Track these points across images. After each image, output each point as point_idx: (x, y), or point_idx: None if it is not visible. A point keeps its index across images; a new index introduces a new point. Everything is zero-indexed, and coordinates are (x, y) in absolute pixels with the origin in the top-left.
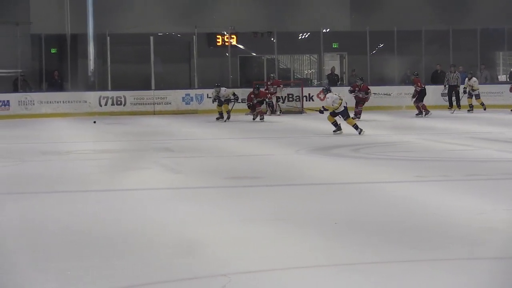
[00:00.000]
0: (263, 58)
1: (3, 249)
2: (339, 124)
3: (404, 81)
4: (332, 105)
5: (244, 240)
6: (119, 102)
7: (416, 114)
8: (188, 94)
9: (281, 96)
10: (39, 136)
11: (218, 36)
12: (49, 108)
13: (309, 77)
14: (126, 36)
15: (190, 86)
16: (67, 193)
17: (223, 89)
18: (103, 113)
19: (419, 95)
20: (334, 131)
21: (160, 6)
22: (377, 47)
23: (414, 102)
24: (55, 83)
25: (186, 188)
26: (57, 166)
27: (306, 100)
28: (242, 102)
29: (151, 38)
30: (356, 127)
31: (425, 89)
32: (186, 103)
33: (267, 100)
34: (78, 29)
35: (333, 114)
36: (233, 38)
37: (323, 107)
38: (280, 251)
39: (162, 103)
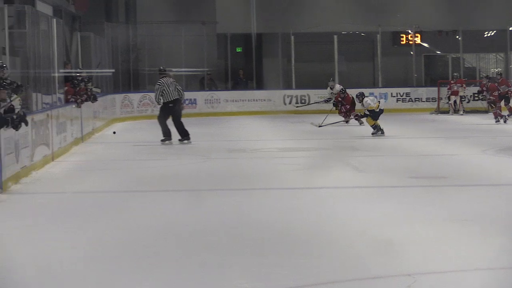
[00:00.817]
0: (448, 56)
1: (195, 244)
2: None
3: None
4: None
5: (433, 240)
6: (303, 101)
7: None
8: (372, 93)
9: (465, 96)
10: (225, 134)
11: (402, 35)
12: (234, 107)
13: (495, 76)
14: (310, 35)
15: (374, 85)
16: (254, 190)
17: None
18: (287, 112)
19: None
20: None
21: (344, 5)
22: None
23: None
24: (240, 82)
25: (370, 187)
26: (243, 163)
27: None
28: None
29: (335, 37)
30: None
31: None
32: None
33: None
34: (263, 28)
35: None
36: (417, 36)
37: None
38: (466, 251)
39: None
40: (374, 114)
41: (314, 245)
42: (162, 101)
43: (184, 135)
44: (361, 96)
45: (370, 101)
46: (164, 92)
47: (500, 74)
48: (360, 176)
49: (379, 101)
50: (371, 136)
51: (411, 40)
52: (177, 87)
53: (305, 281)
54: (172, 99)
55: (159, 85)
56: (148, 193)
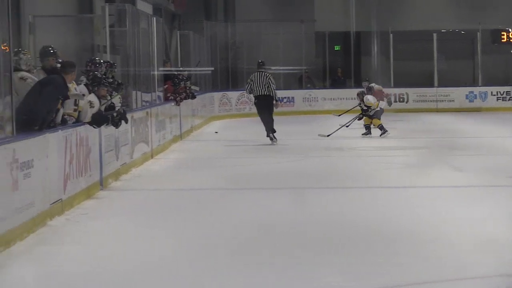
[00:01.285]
0: None
1: (292, 241)
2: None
3: None
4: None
5: None
6: (401, 99)
7: None
8: (472, 92)
9: None
10: (322, 132)
11: (502, 33)
12: (332, 105)
13: None
14: (409, 33)
15: (473, 83)
16: (351, 189)
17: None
18: (387, 110)
19: None
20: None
21: (444, 3)
22: None
23: None
24: (338, 80)
25: (470, 186)
26: (340, 162)
27: None
28: None
29: (434, 35)
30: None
31: None
32: (470, 101)
33: None
34: (361, 26)
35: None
36: None
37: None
38: None
39: (445, 100)
40: (375, 113)
41: (412, 244)
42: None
43: (270, 133)
44: (361, 94)
45: (371, 99)
46: (253, 88)
47: None
48: (459, 175)
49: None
50: (380, 137)
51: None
52: (270, 84)
53: (402, 280)
54: (257, 95)
55: (250, 80)
56: (247, 190)
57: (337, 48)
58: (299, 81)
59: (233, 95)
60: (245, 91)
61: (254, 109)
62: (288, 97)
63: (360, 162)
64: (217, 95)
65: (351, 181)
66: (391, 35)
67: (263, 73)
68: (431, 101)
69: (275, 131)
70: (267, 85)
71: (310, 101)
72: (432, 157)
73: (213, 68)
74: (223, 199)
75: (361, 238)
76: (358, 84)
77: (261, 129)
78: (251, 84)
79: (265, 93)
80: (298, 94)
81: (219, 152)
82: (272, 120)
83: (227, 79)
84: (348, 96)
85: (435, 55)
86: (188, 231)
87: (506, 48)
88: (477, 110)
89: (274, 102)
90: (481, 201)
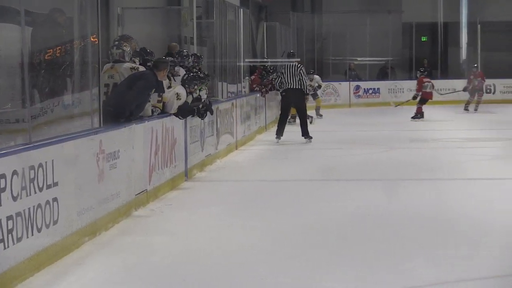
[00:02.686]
0: None
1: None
2: None
3: None
4: None
5: None
6: (488, 91)
7: None
8: None
9: None
10: (408, 123)
11: None
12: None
13: None
14: (498, 23)
15: None
16: (437, 180)
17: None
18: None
19: None
20: None
21: None
22: None
23: None
24: (425, 71)
25: None
26: (426, 153)
27: None
28: None
29: None
30: None
31: None
32: None
33: None
34: (450, 17)
35: None
36: None
37: None
38: None
39: None
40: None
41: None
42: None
43: (304, 133)
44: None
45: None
46: (283, 81)
47: None
48: None
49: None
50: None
51: None
52: (302, 76)
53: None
54: (287, 88)
55: (280, 72)
56: (334, 182)
57: (424, 39)
58: (383, 72)
59: None
60: (275, 84)
61: (340, 100)
62: (374, 89)
63: (445, 154)
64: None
65: (436, 173)
66: (479, 25)
67: (295, 64)
68: None
69: (307, 133)
70: (298, 77)
71: (396, 92)
72: None
73: (299, 59)
74: (309, 190)
75: (454, 231)
76: (444, 75)
77: (354, 120)
78: (281, 77)
79: (297, 87)
80: (383, 85)
81: (303, 143)
82: (305, 115)
83: (313, 70)
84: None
85: None
86: (275, 222)
87: None
88: None
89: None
90: None
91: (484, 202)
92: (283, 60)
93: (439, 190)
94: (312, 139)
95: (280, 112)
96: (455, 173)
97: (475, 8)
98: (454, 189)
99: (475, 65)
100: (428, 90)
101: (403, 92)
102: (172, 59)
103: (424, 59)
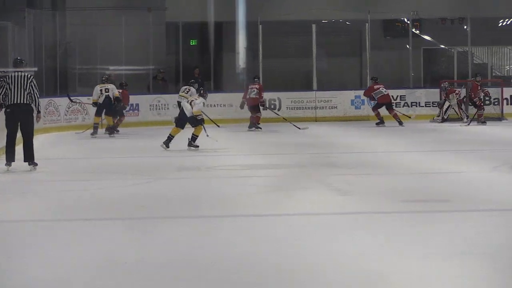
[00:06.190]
0: (453, 50)
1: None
2: None
3: None
4: None
5: (426, 278)
6: (273, 106)
7: None
8: (359, 96)
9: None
10: (175, 147)
11: (397, 24)
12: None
13: (511, 74)
14: (282, 24)
15: (361, 86)
16: (210, 218)
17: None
18: (246, 120)
19: None
20: None
21: None
22: None
23: None
24: (195, 83)
25: (356, 213)
26: (197, 185)
27: (508, 104)
28: None
29: (313, 26)
30: None
31: None
32: (356, 107)
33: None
34: (223, 16)
35: None
36: (415, 26)
37: None
38: None
39: (326, 107)
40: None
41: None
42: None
43: (28, 158)
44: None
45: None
46: (7, 92)
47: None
48: (343, 199)
49: None
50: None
51: (407, 30)
52: (33, 89)
53: None
54: (13, 103)
55: (5, 82)
56: (78, 222)
57: (193, 43)
58: (151, 84)
59: (62, 102)
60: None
61: (89, 120)
62: (132, 105)
63: (221, 185)
64: (41, 102)
65: (209, 209)
66: (260, 26)
67: (23, 74)
68: (308, 108)
69: (33, 158)
70: (28, 91)
71: (159, 108)
72: (310, 177)
73: (36, 69)
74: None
75: (228, 278)
76: (218, 87)
77: (108, 144)
78: (6, 88)
79: (25, 101)
80: (144, 100)
81: (42, 174)
82: (33, 136)
83: (54, 82)
84: (207, 102)
85: (314, 51)
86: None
87: (400, 43)
88: (365, 118)
89: (36, 114)
90: (369, 231)
91: (263, 242)
92: (17, 69)
93: (211, 229)
94: (37, 166)
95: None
96: (230, 208)
97: (255, 5)
98: (231, 228)
99: (256, 76)
100: (385, 93)
101: (167, 109)
102: None
103: (196, 67)
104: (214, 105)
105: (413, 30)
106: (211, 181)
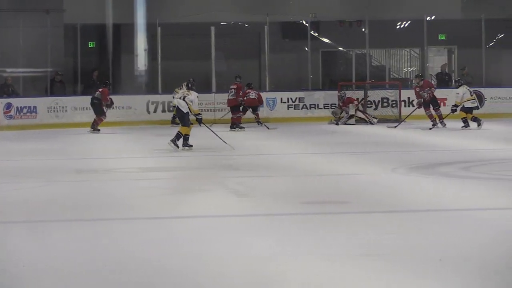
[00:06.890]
0: (351, 53)
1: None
2: None
3: None
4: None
5: (325, 280)
6: (171, 109)
7: None
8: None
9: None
10: (72, 150)
11: (295, 26)
12: (84, 116)
13: (408, 76)
14: (182, 26)
15: (260, 88)
16: (108, 221)
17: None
18: (151, 122)
19: None
20: None
21: None
22: (495, 39)
23: None
24: (93, 85)
25: (254, 215)
26: (94, 187)
27: (405, 106)
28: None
29: (212, 28)
30: None
31: None
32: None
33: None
34: (122, 18)
35: None
36: (313, 28)
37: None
38: None
39: (225, 109)
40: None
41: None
42: None
43: None
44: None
45: None
46: None
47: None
48: (241, 202)
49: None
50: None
51: (306, 33)
52: None
53: None
54: None
55: None
56: None
57: (91, 45)
58: (49, 86)
59: None
60: None
61: None
62: (30, 107)
63: (118, 187)
64: None
65: (107, 212)
66: (159, 28)
67: None
68: (208, 110)
69: None
70: None
71: (57, 111)
72: (207, 179)
73: None
74: None
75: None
76: (117, 90)
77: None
78: None
79: None
80: (41, 102)
81: None
82: None
83: None
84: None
85: (213, 53)
86: None
87: (299, 45)
88: (264, 120)
89: None
90: (267, 233)
91: (163, 246)
92: None
93: (110, 233)
94: None
95: None
96: (129, 211)
97: (153, 7)
98: (130, 231)
99: (238, 75)
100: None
101: (66, 111)
102: None
103: (95, 70)
104: (113, 107)
105: (312, 32)
106: (107, 183)
